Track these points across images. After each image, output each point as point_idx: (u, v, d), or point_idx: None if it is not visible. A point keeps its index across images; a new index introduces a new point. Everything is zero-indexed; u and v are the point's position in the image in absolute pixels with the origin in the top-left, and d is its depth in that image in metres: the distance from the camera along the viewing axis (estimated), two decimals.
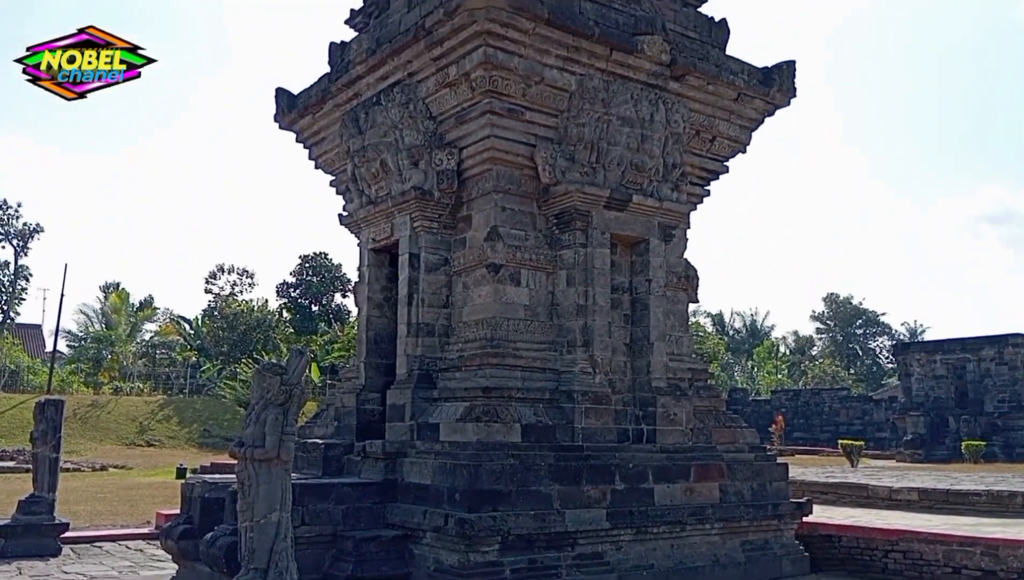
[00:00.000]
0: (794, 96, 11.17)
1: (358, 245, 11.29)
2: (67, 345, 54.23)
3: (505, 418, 8.79)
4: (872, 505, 13.11)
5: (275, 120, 12.11)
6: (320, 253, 54.64)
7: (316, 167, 12.25)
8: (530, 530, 8.20)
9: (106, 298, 56.19)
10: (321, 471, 9.79)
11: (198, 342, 52.45)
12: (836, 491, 14.02)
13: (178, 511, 10.35)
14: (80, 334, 53.73)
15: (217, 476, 10.76)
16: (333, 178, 12.08)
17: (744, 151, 11.48)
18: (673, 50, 10.04)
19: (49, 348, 55.33)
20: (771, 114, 11.31)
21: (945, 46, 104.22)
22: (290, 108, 11.80)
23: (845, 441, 31.32)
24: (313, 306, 54.06)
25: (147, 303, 60.54)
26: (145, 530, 12.93)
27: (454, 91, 9.59)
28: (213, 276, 57.28)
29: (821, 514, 11.25)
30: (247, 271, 58.66)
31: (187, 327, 55.11)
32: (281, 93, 11.94)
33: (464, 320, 9.88)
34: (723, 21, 11.28)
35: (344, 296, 54.90)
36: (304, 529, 8.17)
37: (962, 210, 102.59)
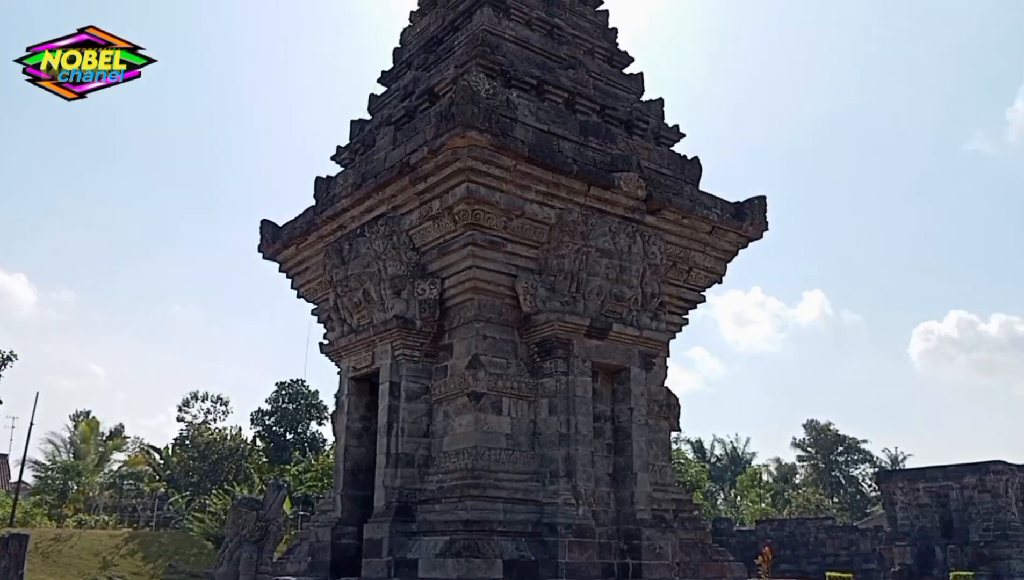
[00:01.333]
0: (766, 229, 11.54)
1: (338, 373, 11.25)
2: (33, 475, 52.52)
3: (487, 553, 8.56)
4: None
5: (259, 250, 12.30)
6: (297, 380, 54.12)
7: (298, 296, 12.36)
8: None
9: (76, 427, 54.88)
10: None
11: (167, 472, 51.04)
12: None
13: None
14: (47, 464, 52.12)
15: None
16: (315, 307, 12.17)
17: (720, 281, 11.75)
18: (649, 186, 10.41)
19: (15, 478, 53.57)
20: (745, 246, 11.64)
21: (907, 178, 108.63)
22: (274, 239, 12.00)
23: (834, 574, 30.59)
24: (288, 434, 53.07)
25: (117, 432, 59.11)
26: None
27: (437, 224, 9.83)
28: (186, 403, 56.32)
29: None
30: (221, 398, 57.76)
31: (157, 457, 53.70)
32: (266, 225, 12.17)
33: (445, 450, 9.76)
34: (695, 159, 11.76)
35: (320, 424, 54.05)
36: None
37: (934, 334, 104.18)
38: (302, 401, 53.38)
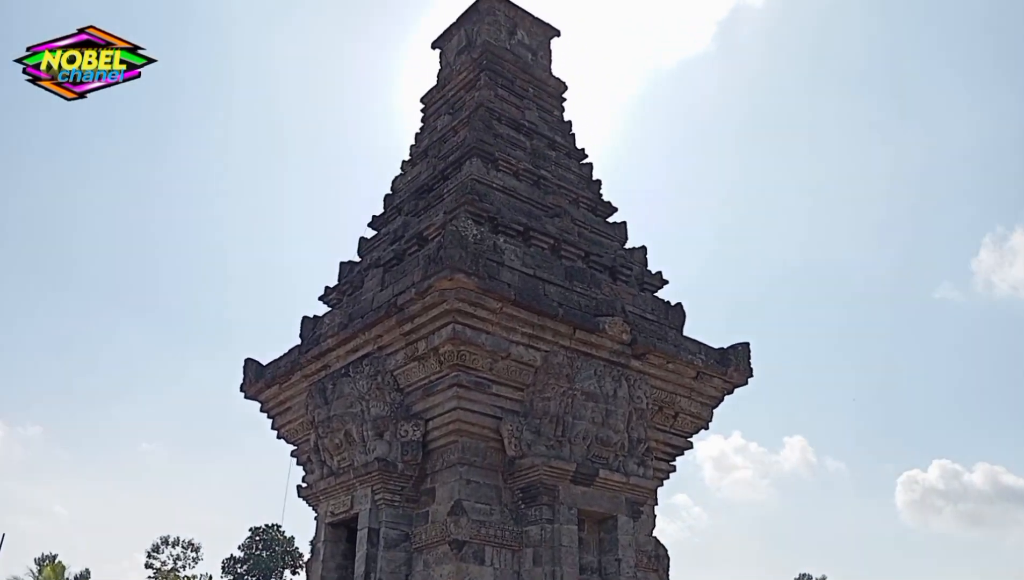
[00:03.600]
0: (751, 375, 11.58)
1: (315, 519, 10.90)
2: None
3: None
4: None
5: (241, 390, 12.17)
6: (272, 525, 52.35)
7: (279, 437, 12.14)
8: None
9: (40, 571, 52.40)
10: None
11: None
12: None
13: None
14: None
15: None
16: (295, 448, 11.94)
17: (707, 427, 11.66)
18: (633, 330, 10.51)
19: None
20: (730, 392, 11.64)
21: (879, 325, 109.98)
22: (257, 378, 11.91)
23: None
24: None
25: (83, 578, 56.44)
26: None
27: (422, 364, 9.82)
28: (156, 549, 54.14)
29: None
30: (192, 544, 55.58)
31: None
32: (250, 363, 12.11)
33: None
34: (679, 305, 11.94)
35: (295, 573, 51.85)
36: None
37: (919, 484, 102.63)
38: (277, 548, 51.44)
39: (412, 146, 14.04)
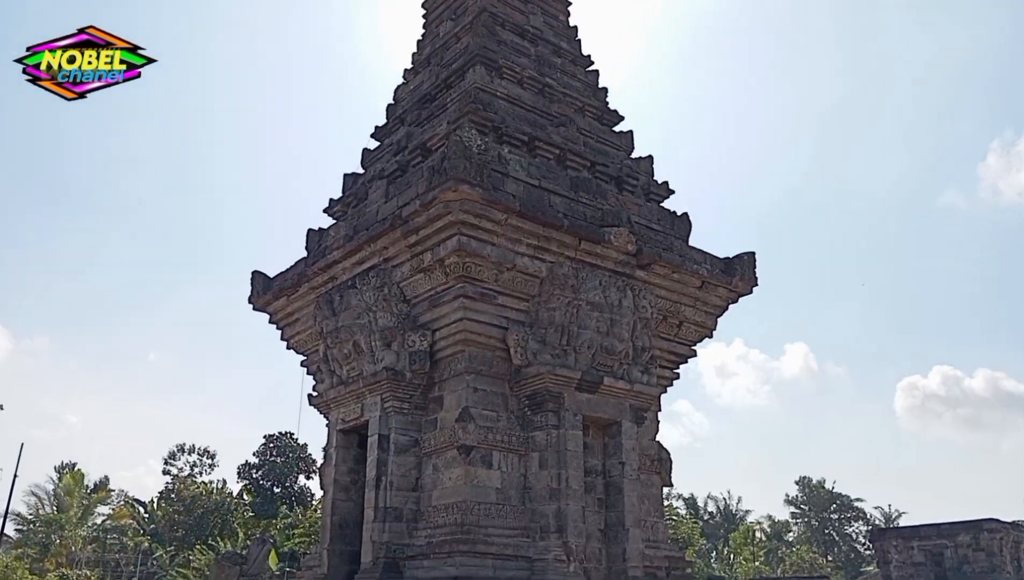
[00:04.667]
0: (755, 285, 11.63)
1: (327, 426, 11.18)
2: (15, 528, 51.54)
3: None
4: None
5: (249, 301, 12.30)
6: (286, 433, 53.54)
7: (288, 347, 12.33)
8: None
9: (60, 479, 54.07)
10: None
11: (152, 526, 50.19)
12: None
13: None
14: (30, 517, 51.22)
15: None
16: (304, 358, 12.14)
17: (711, 336, 11.79)
18: (639, 241, 10.52)
19: None
20: (735, 301, 11.71)
21: (883, 232, 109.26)
22: (265, 290, 12.02)
23: None
24: (275, 488, 52.33)
25: (102, 485, 58.19)
26: None
27: (428, 276, 9.88)
28: (173, 456, 55.62)
29: None
30: (208, 451, 57.08)
31: (141, 511, 52.85)
32: (257, 276, 12.20)
33: (434, 504, 9.66)
34: (685, 215, 11.90)
35: (308, 478, 53.31)
36: None
37: (919, 390, 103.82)
38: (290, 455, 52.77)
39: (414, 54, 13.77)
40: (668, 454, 11.20)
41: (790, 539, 78.25)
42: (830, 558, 72.86)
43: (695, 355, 11.78)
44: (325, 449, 11.20)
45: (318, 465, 11.90)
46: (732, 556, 68.54)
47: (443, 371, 10.09)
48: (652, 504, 10.80)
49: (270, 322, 12.35)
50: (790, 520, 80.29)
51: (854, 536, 76.76)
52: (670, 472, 11.24)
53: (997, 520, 37.36)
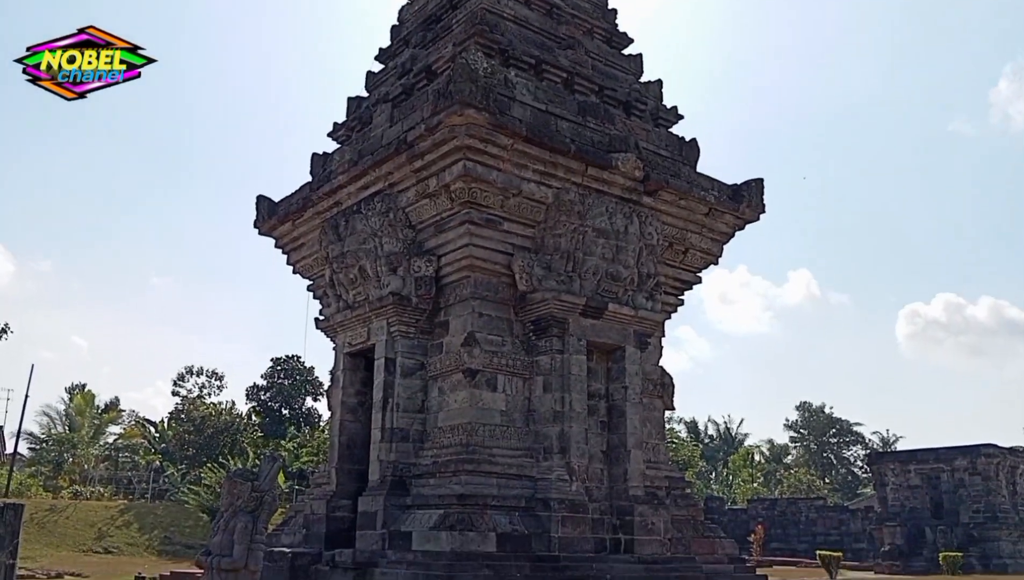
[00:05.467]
0: (763, 212, 11.58)
1: (334, 349, 11.31)
2: (28, 447, 52.76)
3: (480, 527, 8.67)
4: None
5: (255, 226, 12.31)
6: (292, 356, 54.18)
7: (294, 272, 12.39)
8: None
9: (71, 400, 55.05)
10: None
11: (163, 445, 51.29)
12: None
13: None
14: (42, 436, 52.37)
15: None
16: (311, 283, 12.21)
17: (716, 263, 11.80)
18: (646, 167, 10.43)
19: (10, 450, 53.72)
20: (741, 228, 11.68)
21: (890, 159, 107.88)
22: (270, 215, 12.01)
23: (824, 552, 30.89)
24: (283, 410, 53.25)
25: (112, 405, 59.27)
26: None
27: (434, 201, 9.85)
28: (181, 378, 56.48)
29: None
30: (216, 373, 57.90)
31: (152, 430, 53.96)
32: (262, 201, 12.18)
33: (439, 425, 9.85)
34: (693, 141, 11.78)
35: (316, 400, 54.16)
36: None
37: (921, 317, 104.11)
38: (298, 377, 53.51)
39: None
40: (671, 378, 11.34)
41: (788, 462, 79.76)
42: (828, 480, 74.43)
43: (700, 282, 11.82)
44: (332, 372, 11.36)
45: (325, 387, 12.08)
46: (731, 478, 70.00)
47: (449, 296, 10.15)
48: (654, 427, 10.99)
49: (276, 247, 12.38)
50: (789, 444, 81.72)
51: (852, 460, 78.23)
52: (672, 396, 11.40)
53: (995, 445, 37.99)
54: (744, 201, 11.38)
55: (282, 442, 47.19)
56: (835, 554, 29.86)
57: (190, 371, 57.34)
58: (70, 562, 33.02)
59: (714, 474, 71.94)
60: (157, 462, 51.34)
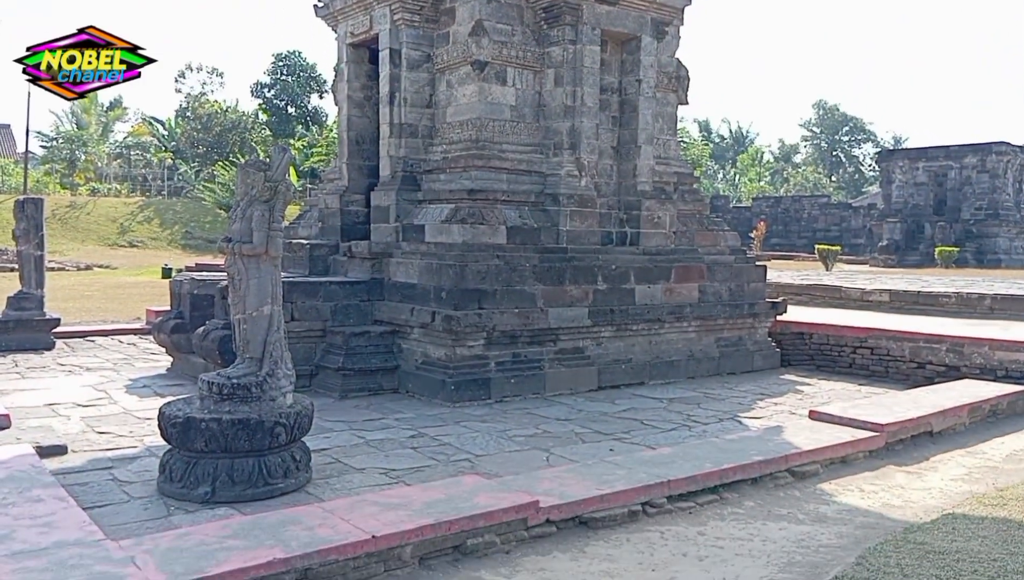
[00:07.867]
0: None
1: (336, 40, 10.80)
2: (40, 145, 53.03)
3: (490, 220, 8.81)
4: (844, 306, 13.54)
5: None
6: (294, 51, 52.50)
7: None
8: (514, 327, 8.45)
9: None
10: (307, 270, 9.91)
11: (173, 144, 51.42)
12: (810, 293, 14.42)
13: (167, 308, 10.55)
14: (51, 134, 52.42)
15: (204, 274, 10.85)
16: None
17: None
18: None
19: (21, 148, 54.09)
20: None
21: None
22: None
23: (821, 246, 31.96)
24: (289, 108, 52.63)
25: (116, 103, 58.64)
26: (136, 326, 13.20)
27: None
28: (182, 75, 55.26)
29: (795, 314, 11.63)
30: (216, 70, 56.57)
31: (160, 128, 53.84)
32: None
33: (448, 120, 9.66)
34: None
35: (321, 97, 53.39)
36: (294, 325, 8.38)
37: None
38: (301, 73, 52.27)
39: None
40: (687, 71, 10.91)
41: (797, 161, 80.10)
42: (834, 178, 75.17)
43: None
44: (336, 65, 10.94)
45: (330, 83, 11.73)
46: (738, 177, 70.73)
47: None
48: (666, 122, 10.77)
49: None
50: (800, 143, 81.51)
51: (861, 159, 78.42)
52: (687, 90, 11.03)
53: (1007, 143, 37.69)
54: None
55: (291, 141, 47.20)
56: (833, 248, 30.91)
57: (190, 68, 56.01)
58: (97, 255, 34.62)
59: (721, 173, 72.61)
60: (169, 160, 51.83)
